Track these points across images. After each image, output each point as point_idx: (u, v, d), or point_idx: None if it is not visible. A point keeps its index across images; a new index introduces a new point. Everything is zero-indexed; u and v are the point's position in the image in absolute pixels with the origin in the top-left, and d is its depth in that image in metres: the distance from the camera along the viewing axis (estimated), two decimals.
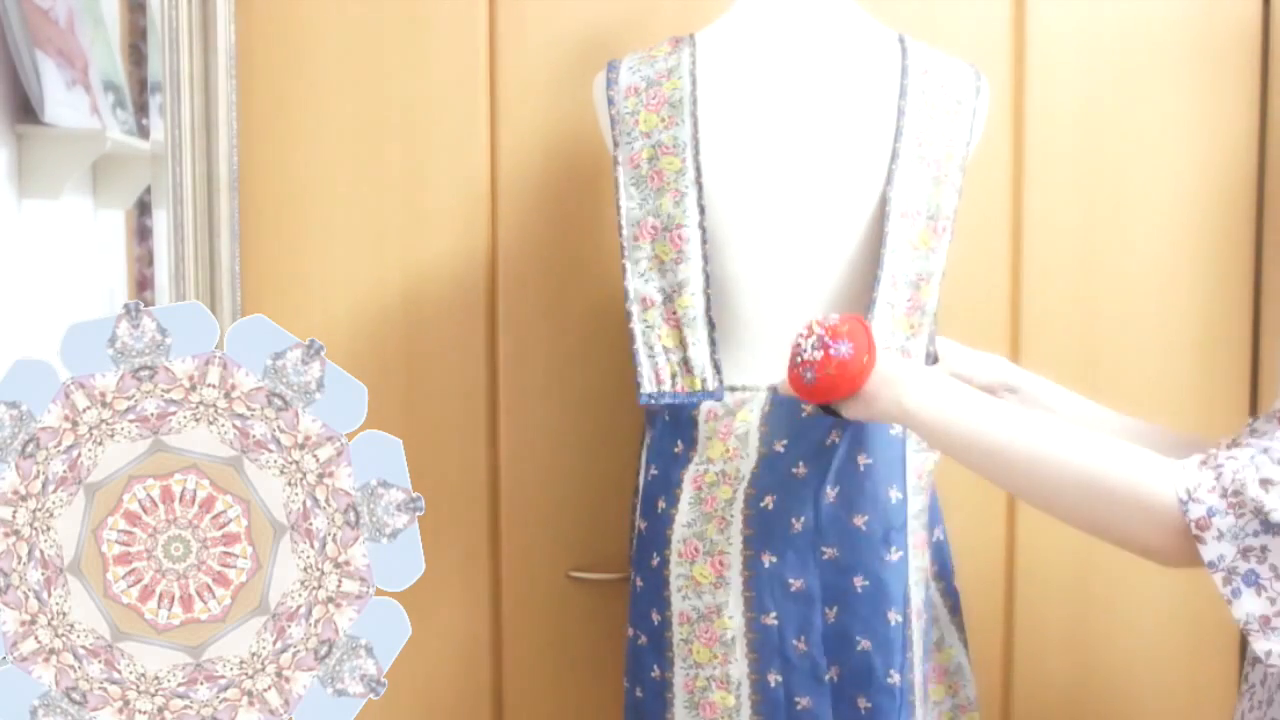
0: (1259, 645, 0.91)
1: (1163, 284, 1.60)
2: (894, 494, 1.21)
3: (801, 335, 1.13)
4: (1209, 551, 0.92)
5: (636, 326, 1.24)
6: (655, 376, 1.23)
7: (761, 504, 1.22)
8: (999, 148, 1.57)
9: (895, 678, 1.20)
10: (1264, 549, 0.91)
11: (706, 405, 1.24)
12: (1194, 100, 1.59)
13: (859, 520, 1.20)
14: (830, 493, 1.21)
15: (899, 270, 1.23)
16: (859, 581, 1.20)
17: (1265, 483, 0.92)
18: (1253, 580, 0.91)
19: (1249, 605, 0.91)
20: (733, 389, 1.24)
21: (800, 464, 1.21)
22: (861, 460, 1.21)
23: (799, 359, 1.12)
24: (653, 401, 1.23)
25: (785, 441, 1.22)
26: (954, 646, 1.35)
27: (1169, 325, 1.60)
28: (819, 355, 1.10)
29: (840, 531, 1.20)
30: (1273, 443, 0.94)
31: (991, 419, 1.04)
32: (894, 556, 1.20)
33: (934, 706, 1.33)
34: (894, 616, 1.20)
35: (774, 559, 1.21)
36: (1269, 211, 1.59)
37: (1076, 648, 1.62)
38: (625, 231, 1.24)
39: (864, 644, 1.20)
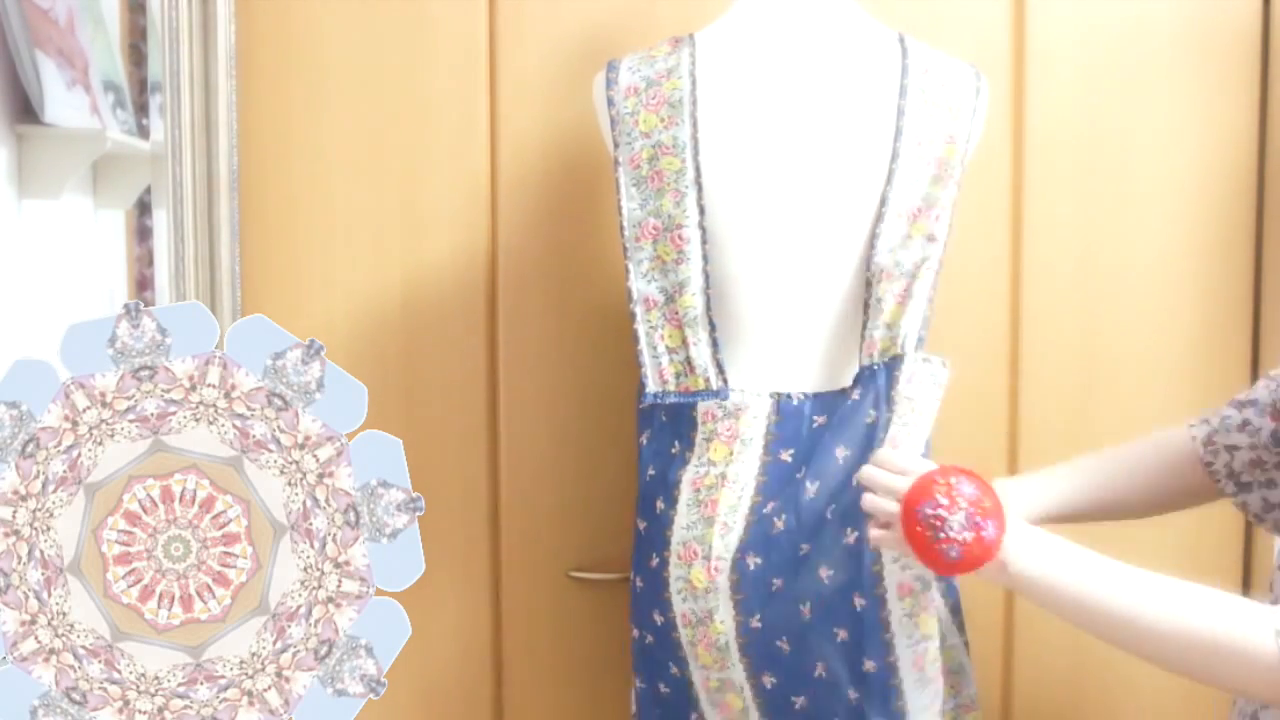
0: None
1: (1163, 284, 1.60)
2: None
3: (943, 507, 1.07)
4: None
5: (640, 327, 1.24)
6: (659, 376, 1.24)
7: (764, 511, 1.22)
8: (999, 148, 1.57)
9: (870, 665, 1.18)
10: None
11: (703, 406, 1.24)
12: (1194, 100, 1.59)
13: (830, 511, 1.19)
14: (810, 488, 1.20)
15: (891, 266, 1.22)
16: (824, 572, 1.19)
17: None
18: None
19: None
20: (733, 390, 1.24)
21: (813, 479, 1.21)
22: (840, 453, 1.21)
23: (943, 534, 1.07)
24: (658, 400, 1.23)
25: (793, 451, 1.22)
26: (954, 646, 1.34)
27: (1169, 325, 1.60)
28: (969, 537, 1.06)
29: (815, 526, 1.19)
30: None
31: (1092, 579, 1.04)
32: (850, 539, 1.18)
33: None
34: (859, 601, 1.18)
35: (759, 560, 1.21)
36: (1269, 211, 1.59)
37: (1077, 647, 1.62)
38: (627, 232, 1.24)
39: (841, 634, 1.19)
